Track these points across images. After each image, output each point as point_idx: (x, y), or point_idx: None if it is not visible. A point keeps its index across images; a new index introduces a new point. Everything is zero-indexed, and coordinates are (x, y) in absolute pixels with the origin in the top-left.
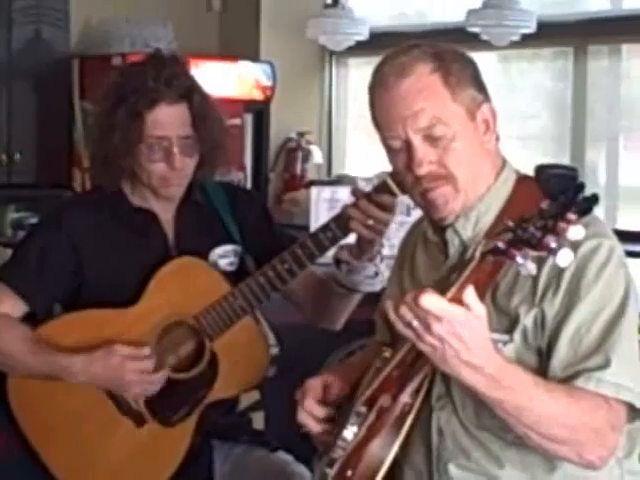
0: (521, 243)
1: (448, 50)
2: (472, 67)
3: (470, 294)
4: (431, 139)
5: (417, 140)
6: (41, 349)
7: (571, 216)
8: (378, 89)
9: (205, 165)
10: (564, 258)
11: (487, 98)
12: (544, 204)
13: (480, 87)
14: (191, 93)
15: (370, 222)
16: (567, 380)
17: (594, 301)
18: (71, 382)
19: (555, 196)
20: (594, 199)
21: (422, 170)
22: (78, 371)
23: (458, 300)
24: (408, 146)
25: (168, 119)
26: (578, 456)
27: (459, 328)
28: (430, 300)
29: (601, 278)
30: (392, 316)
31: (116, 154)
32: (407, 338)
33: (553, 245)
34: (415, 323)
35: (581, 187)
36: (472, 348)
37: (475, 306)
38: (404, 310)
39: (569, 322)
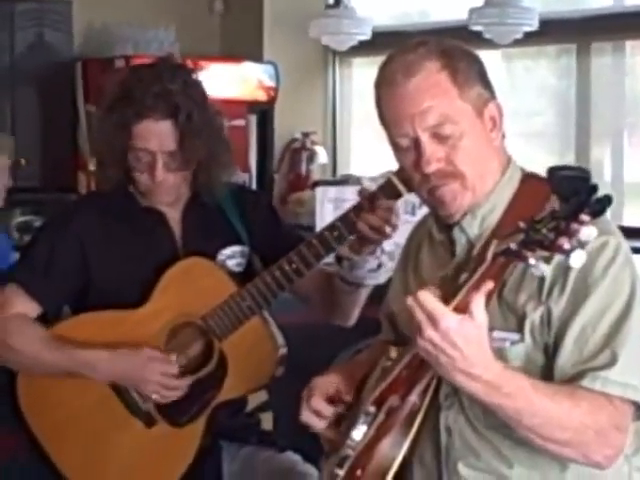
0: (533, 244)
1: (455, 47)
2: (478, 65)
3: (478, 303)
4: (439, 137)
5: (425, 138)
6: (61, 345)
7: (584, 217)
8: (385, 87)
9: (200, 176)
10: (577, 259)
11: (493, 96)
12: (556, 205)
13: (486, 84)
14: (177, 111)
15: (377, 223)
16: (573, 379)
17: (600, 299)
18: (90, 377)
19: (567, 197)
20: (607, 200)
21: (430, 168)
22: (102, 366)
23: (464, 306)
24: (416, 144)
25: (152, 134)
26: (584, 457)
27: (453, 335)
28: (425, 297)
29: (607, 275)
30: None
31: (103, 161)
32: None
33: (567, 246)
34: (418, 317)
35: (594, 189)
36: (468, 356)
37: (478, 315)
38: (410, 301)
39: (575, 321)
